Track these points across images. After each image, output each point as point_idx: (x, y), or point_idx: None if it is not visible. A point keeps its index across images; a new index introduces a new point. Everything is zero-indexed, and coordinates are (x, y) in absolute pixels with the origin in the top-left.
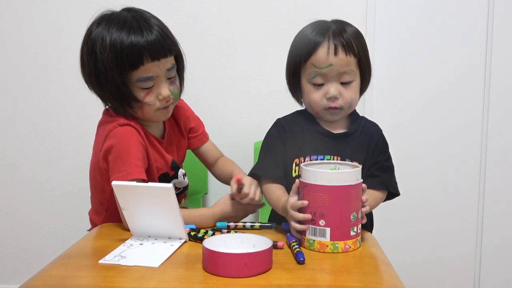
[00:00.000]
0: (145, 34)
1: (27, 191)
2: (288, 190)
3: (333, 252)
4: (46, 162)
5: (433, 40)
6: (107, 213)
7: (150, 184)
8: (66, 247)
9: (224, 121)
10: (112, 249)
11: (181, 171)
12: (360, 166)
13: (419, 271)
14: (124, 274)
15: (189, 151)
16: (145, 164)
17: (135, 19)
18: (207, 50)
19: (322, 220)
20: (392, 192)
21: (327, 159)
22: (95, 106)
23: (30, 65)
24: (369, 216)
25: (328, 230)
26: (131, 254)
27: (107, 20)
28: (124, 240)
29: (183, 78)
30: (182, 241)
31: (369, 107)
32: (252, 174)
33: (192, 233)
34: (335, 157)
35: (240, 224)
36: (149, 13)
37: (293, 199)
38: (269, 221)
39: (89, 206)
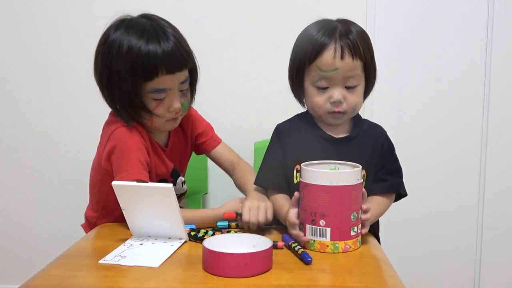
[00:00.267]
0: (163, 44)
1: (27, 191)
2: (290, 196)
3: (334, 252)
4: (46, 162)
5: (433, 40)
6: (102, 211)
7: (150, 184)
8: (66, 247)
9: (224, 121)
10: (112, 249)
11: (180, 179)
12: (360, 167)
13: (419, 271)
14: (124, 274)
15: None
16: (148, 166)
17: (154, 29)
18: (207, 50)
19: (322, 220)
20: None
21: (330, 168)
22: (95, 106)
23: (30, 65)
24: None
25: (328, 230)
26: (131, 254)
27: (126, 26)
28: (124, 240)
29: (195, 90)
30: (182, 241)
31: (369, 107)
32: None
33: (192, 233)
34: None
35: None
36: (166, 22)
37: (292, 212)
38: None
39: None
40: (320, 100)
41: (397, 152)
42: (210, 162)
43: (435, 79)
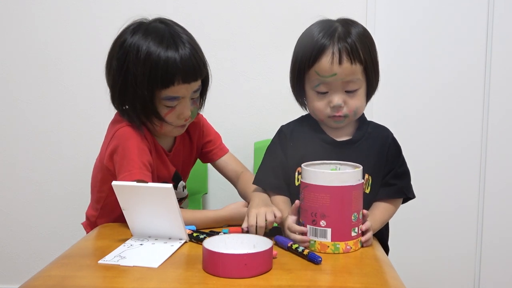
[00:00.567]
0: (181, 51)
1: (27, 191)
2: (291, 198)
3: (334, 253)
4: (46, 162)
5: (433, 40)
6: (101, 211)
7: (149, 184)
8: (66, 247)
9: (224, 121)
10: (112, 249)
11: (181, 183)
12: (361, 167)
13: (419, 271)
14: (124, 274)
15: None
16: (151, 166)
17: (172, 36)
18: (207, 50)
19: (323, 221)
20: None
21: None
22: (95, 106)
23: (30, 65)
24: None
25: (329, 230)
26: (131, 254)
27: (144, 30)
28: (124, 240)
29: (205, 98)
30: (182, 241)
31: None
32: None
33: (195, 234)
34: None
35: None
36: (181, 28)
37: (290, 219)
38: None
39: None
40: (320, 105)
41: None
42: None
43: (435, 79)
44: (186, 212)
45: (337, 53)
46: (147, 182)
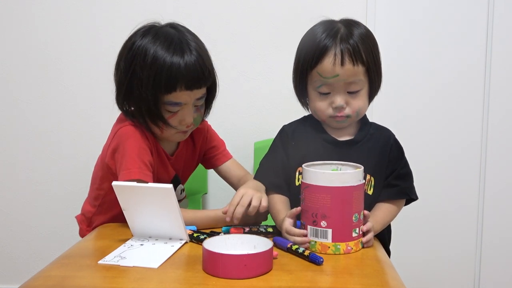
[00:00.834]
0: (186, 57)
1: (27, 191)
2: (292, 199)
3: (335, 254)
4: (46, 162)
5: (433, 40)
6: (99, 208)
7: (149, 184)
8: (66, 247)
9: (224, 121)
10: (112, 249)
11: (180, 187)
12: (362, 167)
13: (419, 271)
14: (124, 274)
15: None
16: (152, 166)
17: (180, 42)
18: None
19: (323, 221)
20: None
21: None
22: (95, 106)
23: (30, 65)
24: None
25: (329, 231)
26: (131, 254)
27: (154, 34)
28: (125, 240)
29: (211, 106)
30: (183, 241)
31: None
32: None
33: (195, 235)
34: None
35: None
36: (192, 34)
37: (288, 222)
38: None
39: None
40: (322, 105)
41: None
42: None
43: (435, 79)
44: (187, 212)
45: (339, 54)
46: (147, 182)
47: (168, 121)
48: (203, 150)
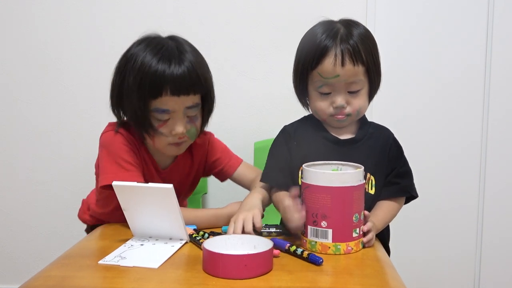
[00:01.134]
0: (172, 66)
1: (27, 191)
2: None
3: (335, 254)
4: (46, 162)
5: (433, 40)
6: (97, 202)
7: (150, 184)
8: (66, 247)
9: (224, 121)
10: (113, 249)
11: None
12: (362, 167)
13: (419, 271)
14: (124, 274)
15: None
16: (134, 162)
17: (170, 49)
18: (207, 50)
19: (324, 222)
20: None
21: (332, 169)
22: (95, 106)
23: (30, 65)
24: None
25: (330, 231)
26: (131, 254)
27: (147, 42)
28: (125, 240)
29: (207, 119)
30: (183, 242)
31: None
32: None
33: (194, 235)
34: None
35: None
36: (191, 47)
37: (287, 202)
38: (280, 223)
39: None
40: (323, 105)
41: None
42: None
43: (435, 79)
44: (187, 211)
45: (340, 55)
46: (123, 182)
47: (158, 130)
48: (207, 164)
